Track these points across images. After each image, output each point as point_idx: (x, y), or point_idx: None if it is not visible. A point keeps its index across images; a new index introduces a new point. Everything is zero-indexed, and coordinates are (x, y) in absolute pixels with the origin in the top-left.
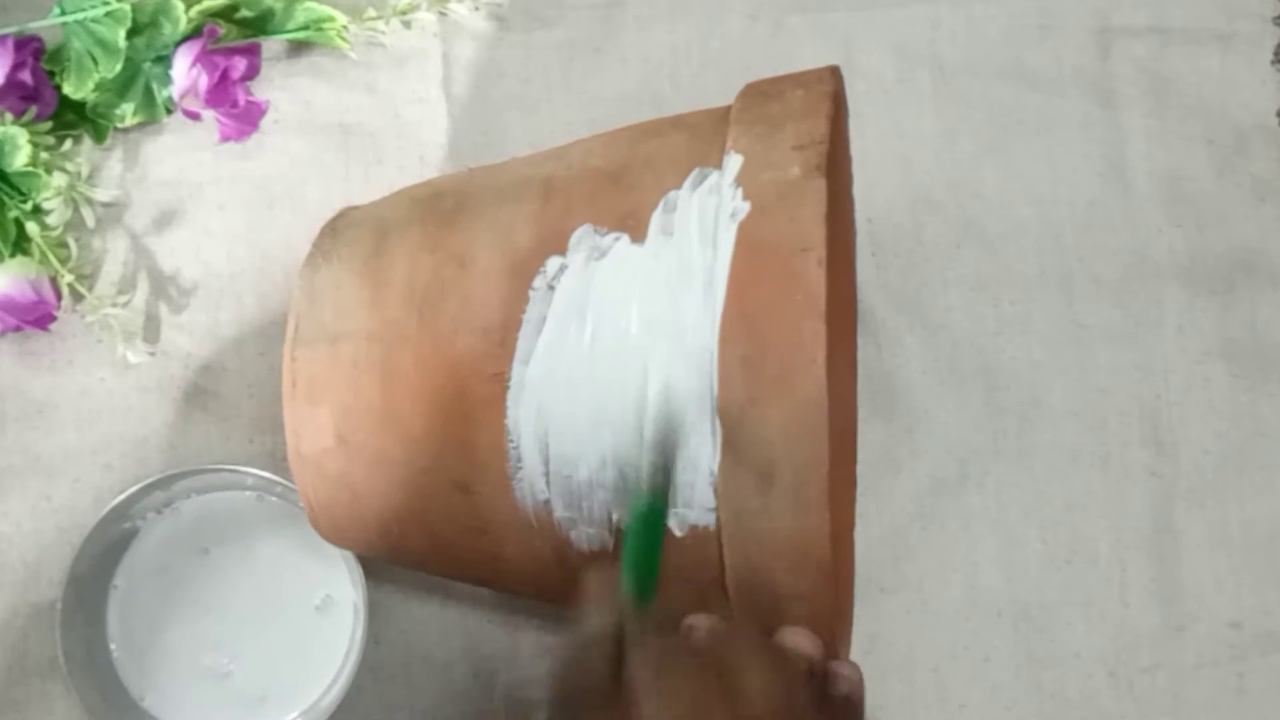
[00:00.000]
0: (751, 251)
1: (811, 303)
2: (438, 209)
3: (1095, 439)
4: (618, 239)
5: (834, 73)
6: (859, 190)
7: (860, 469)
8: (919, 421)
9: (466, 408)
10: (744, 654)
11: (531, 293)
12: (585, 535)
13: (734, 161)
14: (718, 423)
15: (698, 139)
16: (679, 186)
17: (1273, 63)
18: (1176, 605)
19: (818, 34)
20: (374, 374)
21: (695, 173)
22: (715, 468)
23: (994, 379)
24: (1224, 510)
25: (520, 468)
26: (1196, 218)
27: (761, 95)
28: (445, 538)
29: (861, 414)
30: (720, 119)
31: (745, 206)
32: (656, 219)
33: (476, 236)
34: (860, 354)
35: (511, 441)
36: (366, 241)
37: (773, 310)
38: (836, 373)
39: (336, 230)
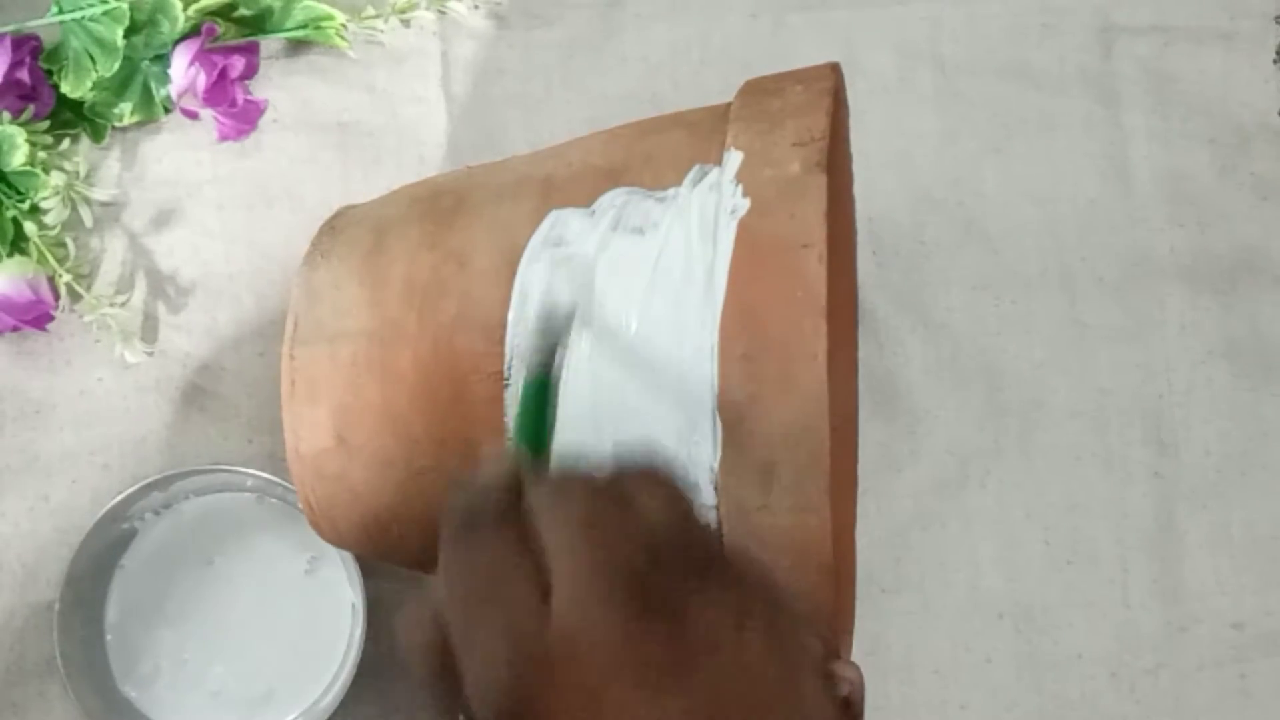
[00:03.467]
0: (752, 248)
1: (812, 299)
2: (437, 207)
3: (1097, 439)
4: (616, 236)
5: (834, 69)
6: (860, 189)
7: (861, 469)
8: (920, 421)
9: (466, 406)
10: (643, 484)
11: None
12: None
13: (734, 158)
14: (718, 419)
15: (697, 136)
16: (679, 183)
17: (1275, 61)
18: (1179, 606)
19: (818, 32)
20: (373, 373)
21: (695, 169)
22: (716, 465)
23: (995, 379)
24: (1226, 511)
25: None
26: (1199, 217)
27: (761, 92)
28: None
29: (862, 414)
30: (720, 116)
31: (745, 203)
32: (655, 216)
33: (476, 235)
34: (861, 354)
35: (511, 440)
36: (365, 240)
37: (773, 307)
38: (838, 371)
39: (335, 229)
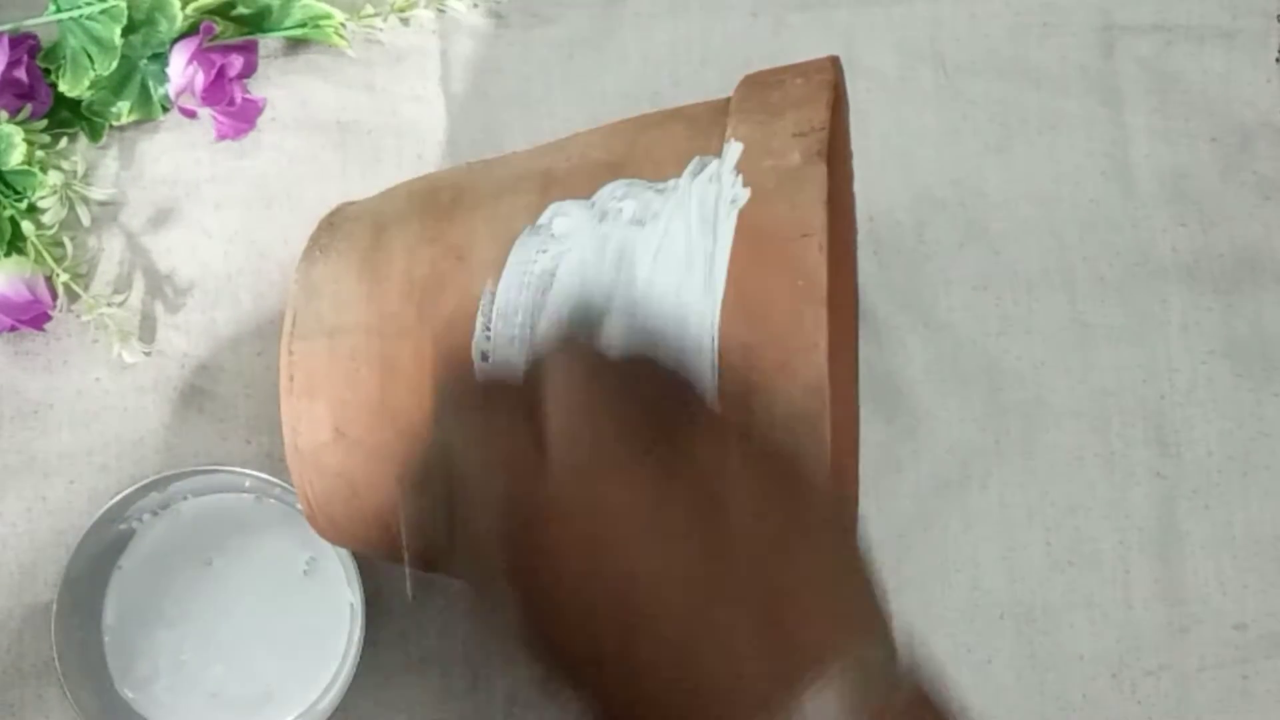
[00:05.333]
0: (752, 238)
1: (813, 288)
2: (436, 202)
3: (1099, 439)
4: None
5: (834, 62)
6: (861, 188)
7: (861, 469)
8: (921, 421)
9: None
10: (647, 361)
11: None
12: None
13: (734, 149)
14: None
15: (697, 129)
16: (679, 175)
17: (1278, 60)
18: (1181, 607)
19: (819, 31)
20: (372, 367)
21: (695, 161)
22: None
23: (997, 379)
24: (1228, 511)
25: None
26: (1201, 216)
27: (761, 85)
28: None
29: (863, 414)
30: (720, 109)
31: (745, 193)
32: (656, 207)
33: (475, 229)
34: (862, 354)
35: None
36: (364, 236)
37: (774, 297)
38: (838, 366)
39: (334, 225)
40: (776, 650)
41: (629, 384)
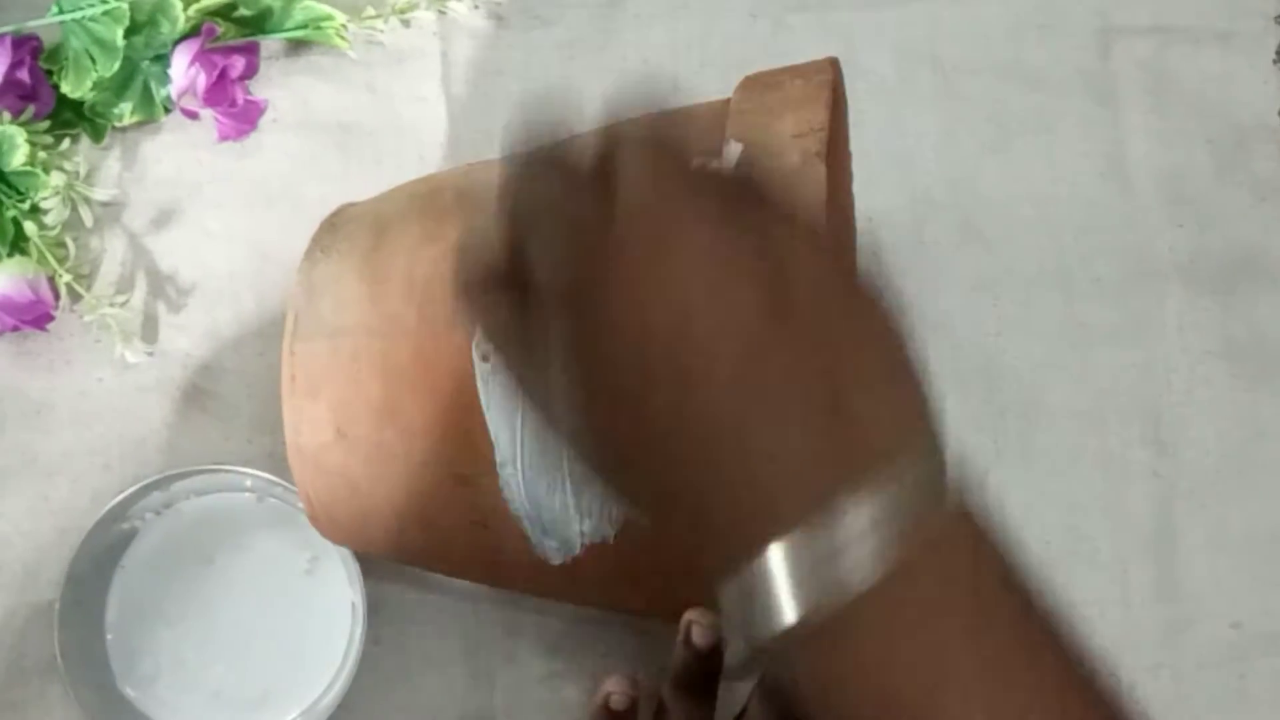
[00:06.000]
0: None
1: None
2: (437, 203)
3: (1096, 439)
4: None
5: (833, 64)
6: (859, 189)
7: None
8: None
9: (467, 399)
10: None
11: None
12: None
13: (734, 149)
14: None
15: (698, 129)
16: None
17: (1274, 62)
18: (1178, 606)
19: (818, 32)
20: (373, 367)
21: (695, 162)
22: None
23: (994, 379)
24: (1225, 511)
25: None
26: (1197, 217)
27: (761, 86)
28: (445, 532)
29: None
30: (720, 110)
31: None
32: None
33: (476, 229)
34: None
35: None
36: (365, 236)
37: None
38: None
39: (335, 226)
40: (834, 437)
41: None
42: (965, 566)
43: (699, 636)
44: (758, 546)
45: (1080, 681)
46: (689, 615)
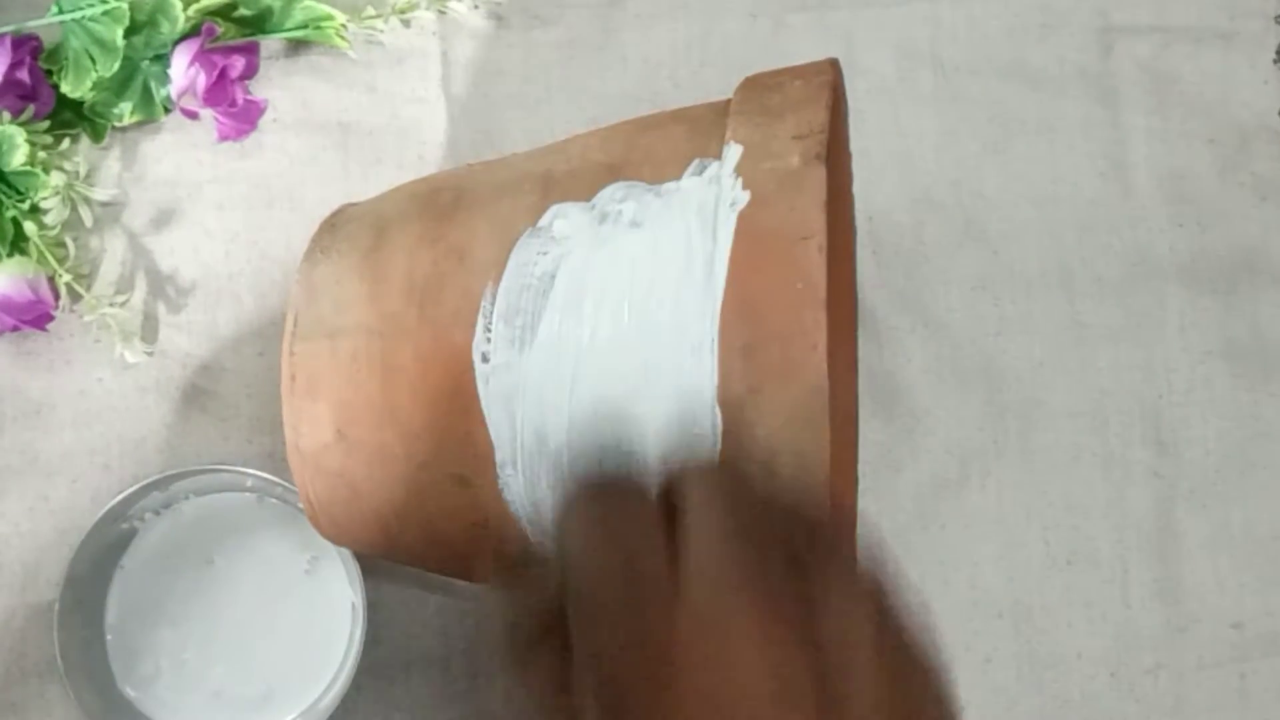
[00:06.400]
0: (751, 240)
1: (812, 290)
2: (436, 203)
3: (1097, 439)
4: (617, 229)
5: (833, 64)
6: (859, 189)
7: (860, 469)
8: (920, 421)
9: (466, 400)
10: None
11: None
12: None
13: (734, 151)
14: (718, 412)
15: (697, 131)
16: (679, 177)
17: (1275, 61)
18: (1178, 606)
19: (818, 32)
20: (373, 368)
21: (695, 163)
22: (716, 457)
23: (995, 379)
24: (1226, 511)
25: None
26: (1198, 217)
27: (761, 87)
28: (445, 532)
29: (862, 414)
30: (720, 111)
31: (745, 196)
32: (655, 209)
33: (476, 229)
34: (861, 354)
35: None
36: (365, 236)
37: (773, 298)
38: (838, 367)
39: (335, 226)
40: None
41: (770, 516)
42: None
43: None
44: None
45: None
46: None
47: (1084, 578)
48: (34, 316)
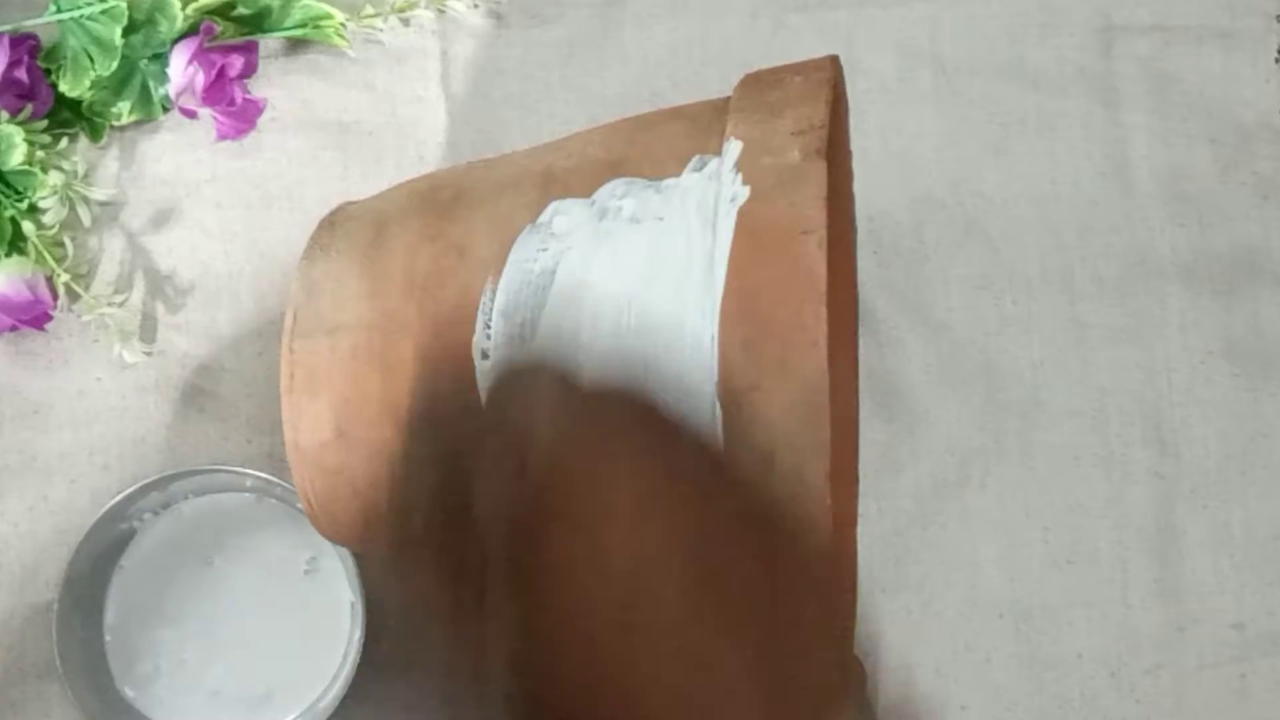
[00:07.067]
0: (751, 235)
1: (812, 285)
2: (436, 200)
3: (1097, 439)
4: (617, 225)
5: (833, 61)
6: (860, 189)
7: (861, 469)
8: (920, 421)
9: (466, 397)
10: None
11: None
12: None
13: (733, 147)
14: (718, 407)
15: (697, 127)
16: (679, 174)
17: (1277, 60)
18: (1179, 606)
19: (818, 32)
20: (373, 365)
21: (695, 159)
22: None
23: (995, 379)
24: (1226, 511)
25: None
26: (1199, 217)
27: (761, 84)
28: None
29: (862, 414)
30: (719, 108)
31: (745, 191)
32: (655, 205)
33: (476, 226)
34: (861, 353)
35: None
36: (365, 234)
37: (773, 293)
38: (838, 363)
39: (334, 223)
40: (773, 693)
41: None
42: None
43: None
44: None
45: None
46: None
47: (1084, 577)
48: (32, 316)
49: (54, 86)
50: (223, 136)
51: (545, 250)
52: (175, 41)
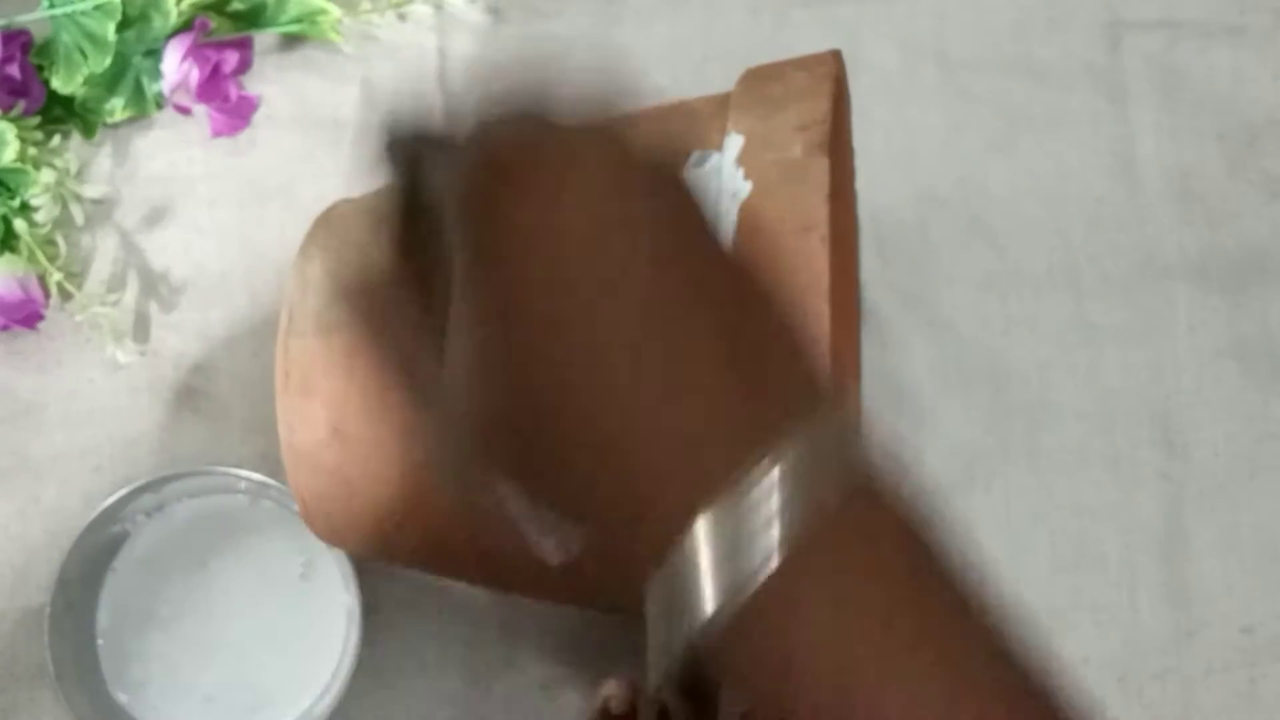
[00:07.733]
0: (754, 231)
1: (815, 281)
2: None
3: (1104, 440)
4: None
5: (835, 56)
6: (864, 186)
7: None
8: (924, 421)
9: None
10: None
11: None
12: None
13: (735, 142)
14: None
15: (698, 122)
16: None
17: None
18: (1187, 610)
19: (821, 27)
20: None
21: (696, 154)
22: None
23: (1001, 379)
24: (1235, 513)
25: None
26: (1208, 215)
27: (763, 78)
28: (442, 531)
29: (865, 414)
30: (721, 103)
31: (747, 186)
32: None
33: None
34: (865, 353)
35: None
36: (360, 231)
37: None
38: (841, 362)
39: (330, 221)
40: (737, 399)
41: None
42: (864, 551)
43: (617, 706)
44: (679, 523)
45: (1013, 688)
46: (606, 690)
47: (1091, 581)
48: (24, 316)
49: (46, 83)
50: (217, 133)
51: None
52: (169, 37)
